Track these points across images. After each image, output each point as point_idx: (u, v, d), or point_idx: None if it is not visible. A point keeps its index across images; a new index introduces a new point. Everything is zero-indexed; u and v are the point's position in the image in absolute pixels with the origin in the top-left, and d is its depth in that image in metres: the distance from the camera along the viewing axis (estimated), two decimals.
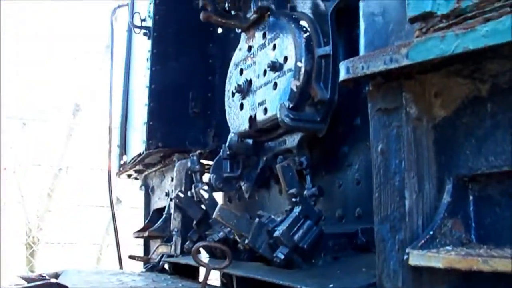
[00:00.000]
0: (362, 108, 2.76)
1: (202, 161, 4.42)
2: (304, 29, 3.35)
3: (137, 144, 5.53)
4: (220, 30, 5.38)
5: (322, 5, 3.42)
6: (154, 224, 5.13)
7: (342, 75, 2.12)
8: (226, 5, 3.90)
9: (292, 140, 3.47)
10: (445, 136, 2.04)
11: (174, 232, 4.50)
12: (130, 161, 5.82)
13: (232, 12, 3.91)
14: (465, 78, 1.98)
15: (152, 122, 5.16)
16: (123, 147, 6.12)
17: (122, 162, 6.18)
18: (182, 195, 4.13)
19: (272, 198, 4.11)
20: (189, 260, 3.87)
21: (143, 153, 5.22)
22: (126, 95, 6.28)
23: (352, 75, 2.08)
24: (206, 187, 3.83)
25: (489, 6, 1.72)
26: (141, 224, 5.85)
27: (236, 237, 3.02)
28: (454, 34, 1.73)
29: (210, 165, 4.06)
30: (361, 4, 2.44)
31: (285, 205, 3.45)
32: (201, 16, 3.81)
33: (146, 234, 5.18)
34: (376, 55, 1.98)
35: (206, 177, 4.31)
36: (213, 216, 2.90)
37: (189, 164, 4.19)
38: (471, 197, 2.01)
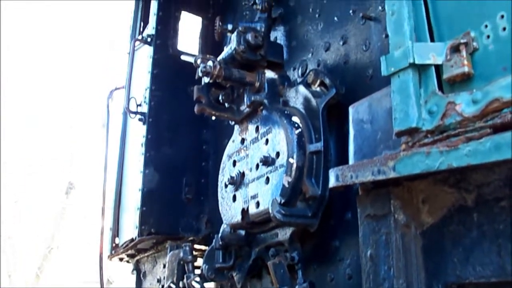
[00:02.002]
0: (353, 202, 2.81)
1: (195, 245, 4.41)
2: (296, 125, 3.44)
3: (130, 228, 5.51)
4: (214, 117, 5.48)
5: (313, 101, 3.52)
6: None
7: (332, 182, 2.18)
8: (220, 97, 4.01)
9: (284, 234, 3.50)
10: (433, 243, 2.09)
11: None
12: (122, 245, 5.78)
13: (226, 104, 4.01)
14: (451, 187, 2.04)
15: (145, 207, 5.17)
16: (116, 230, 6.10)
17: (114, 244, 6.13)
18: (174, 287, 4.10)
19: None
20: None
21: (135, 238, 5.20)
22: (120, 178, 6.30)
23: (342, 183, 2.14)
24: (198, 279, 3.82)
25: (470, 125, 1.81)
26: None
27: None
28: (438, 151, 1.81)
29: (203, 250, 4.06)
30: (350, 110, 2.53)
31: None
32: (196, 109, 3.90)
33: None
34: (365, 165, 2.05)
35: (199, 261, 4.31)
36: None
37: (181, 254, 4.19)
38: None
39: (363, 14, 3.56)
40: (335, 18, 3.90)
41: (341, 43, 3.76)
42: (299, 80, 4.05)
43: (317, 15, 4.13)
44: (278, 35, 4.58)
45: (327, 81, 3.49)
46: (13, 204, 13.58)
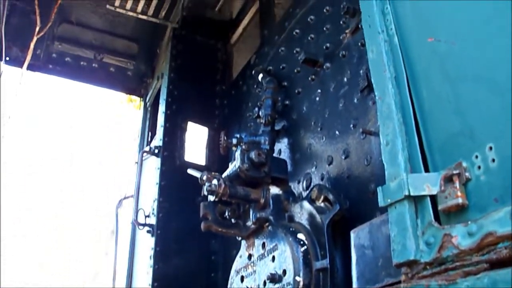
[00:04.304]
0: None
1: None
2: (302, 242, 3.47)
3: None
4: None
5: (318, 217, 3.56)
6: None
7: None
8: (226, 213, 4.07)
9: None
10: None
11: None
12: None
13: (232, 220, 4.06)
14: None
15: None
16: None
17: None
18: None
19: None
20: None
21: None
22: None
23: None
24: None
25: (468, 258, 1.84)
26: None
27: None
28: (437, 285, 1.83)
29: None
30: (352, 234, 2.57)
31: None
32: (202, 226, 3.96)
33: None
34: None
35: None
36: None
37: None
38: None
39: (363, 129, 3.67)
40: (337, 132, 4.01)
41: (343, 157, 3.85)
42: (303, 193, 4.11)
43: (319, 129, 4.25)
44: (282, 147, 4.70)
45: (330, 197, 3.55)
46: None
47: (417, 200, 2.09)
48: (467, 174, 2.02)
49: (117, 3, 6.75)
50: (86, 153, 17.88)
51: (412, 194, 2.07)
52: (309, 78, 4.51)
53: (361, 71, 3.83)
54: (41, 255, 15.91)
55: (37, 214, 16.65)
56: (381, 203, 2.17)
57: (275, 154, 4.59)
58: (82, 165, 17.63)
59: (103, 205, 14.60)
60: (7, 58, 7.32)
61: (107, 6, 6.81)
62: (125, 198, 7.17)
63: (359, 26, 3.83)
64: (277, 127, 4.72)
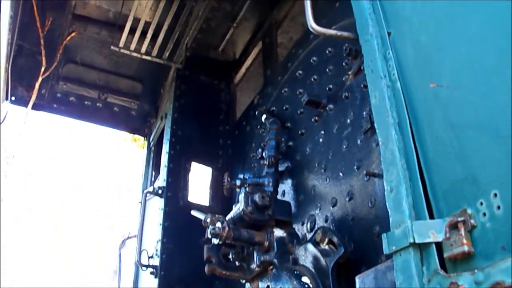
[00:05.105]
0: None
1: None
2: (306, 285, 3.44)
3: None
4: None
5: (322, 260, 3.53)
6: None
7: None
8: (230, 255, 4.04)
9: None
10: None
11: None
12: None
13: (236, 262, 4.03)
14: None
15: None
16: None
17: None
18: None
19: None
20: None
21: None
22: None
23: None
24: None
25: None
26: None
27: None
28: None
29: None
30: (357, 280, 2.55)
31: None
32: (206, 269, 3.93)
33: None
34: None
35: None
36: None
37: None
38: None
39: (367, 171, 3.66)
40: (341, 174, 4.01)
41: (347, 199, 3.84)
42: (308, 235, 4.09)
43: (323, 170, 4.24)
44: (286, 188, 4.69)
45: (335, 239, 3.52)
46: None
47: (422, 247, 2.08)
48: (472, 221, 2.01)
49: (121, 44, 6.82)
50: (87, 192, 17.93)
51: (417, 241, 2.06)
52: (313, 119, 4.52)
53: (364, 113, 3.84)
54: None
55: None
56: (385, 250, 2.15)
57: (279, 195, 4.58)
58: (85, 199, 17.66)
59: (105, 243, 14.61)
60: (13, 98, 7.39)
61: (112, 47, 6.88)
62: (128, 238, 7.13)
63: (361, 68, 3.86)
64: (280, 168, 4.72)
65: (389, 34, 2.72)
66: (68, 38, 7.07)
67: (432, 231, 2.07)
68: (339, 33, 3.10)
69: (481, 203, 2.00)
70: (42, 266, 16.07)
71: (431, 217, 2.16)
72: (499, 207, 1.94)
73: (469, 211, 2.03)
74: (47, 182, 17.50)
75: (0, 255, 11.72)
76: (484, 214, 1.99)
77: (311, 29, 3.11)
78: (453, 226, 2.04)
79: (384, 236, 2.18)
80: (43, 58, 6.98)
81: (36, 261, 16.01)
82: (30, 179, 17.21)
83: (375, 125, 2.53)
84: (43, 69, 7.10)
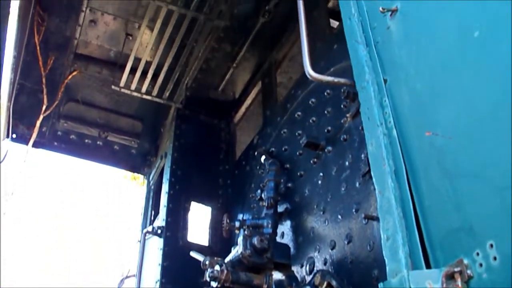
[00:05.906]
0: None
1: None
2: None
3: None
4: None
5: None
6: None
7: None
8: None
9: None
10: None
11: None
12: None
13: None
14: None
15: None
16: None
17: None
18: None
19: None
20: None
21: None
22: None
23: None
24: None
25: None
26: None
27: None
28: None
29: None
30: None
31: None
32: None
33: None
34: None
35: None
36: None
37: None
38: None
39: (365, 214, 3.66)
40: (339, 216, 4.01)
41: (346, 241, 3.83)
42: (307, 278, 4.07)
43: (321, 212, 4.25)
44: (285, 229, 4.69)
45: (334, 283, 3.50)
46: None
47: None
48: (468, 271, 2.01)
49: (122, 84, 6.88)
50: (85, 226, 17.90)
51: None
52: (311, 161, 4.55)
53: (362, 155, 3.86)
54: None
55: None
56: None
57: (278, 237, 4.57)
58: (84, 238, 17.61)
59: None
60: (14, 136, 7.43)
61: (113, 86, 6.94)
62: (127, 277, 7.08)
63: (359, 110, 3.89)
64: (280, 210, 4.72)
65: (385, 81, 2.75)
66: (70, 77, 7.14)
67: (429, 281, 2.07)
68: (336, 79, 3.15)
69: (478, 254, 2.00)
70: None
71: (428, 265, 2.16)
72: (495, 258, 1.94)
73: (465, 261, 2.03)
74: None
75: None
76: (481, 265, 1.99)
77: (308, 76, 3.15)
78: (450, 276, 2.04)
79: (381, 285, 2.18)
80: (45, 97, 7.04)
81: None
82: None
83: (372, 173, 2.55)
84: (44, 107, 7.15)
